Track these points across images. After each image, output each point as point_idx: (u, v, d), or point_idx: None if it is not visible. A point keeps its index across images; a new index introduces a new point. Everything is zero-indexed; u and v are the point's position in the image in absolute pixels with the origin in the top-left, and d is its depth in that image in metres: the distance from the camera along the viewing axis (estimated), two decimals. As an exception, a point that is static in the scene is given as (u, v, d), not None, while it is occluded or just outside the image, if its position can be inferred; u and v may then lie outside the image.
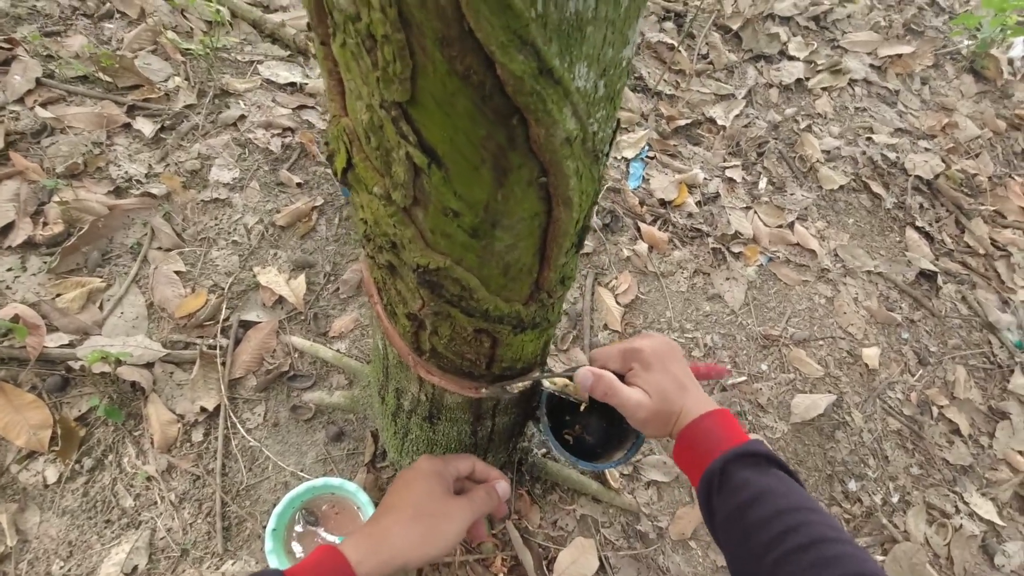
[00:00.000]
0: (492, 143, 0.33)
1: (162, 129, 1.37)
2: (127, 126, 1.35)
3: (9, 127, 1.25)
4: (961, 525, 1.28)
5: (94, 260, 1.19)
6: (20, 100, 1.30)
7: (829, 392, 1.40)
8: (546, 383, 0.80)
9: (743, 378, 1.38)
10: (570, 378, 0.84)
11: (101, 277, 1.17)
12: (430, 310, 0.50)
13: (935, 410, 1.43)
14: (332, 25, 0.31)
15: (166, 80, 1.44)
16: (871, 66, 2.05)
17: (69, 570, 0.96)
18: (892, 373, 1.47)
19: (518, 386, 0.73)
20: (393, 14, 0.26)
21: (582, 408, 0.86)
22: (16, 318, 1.04)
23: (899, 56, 2.08)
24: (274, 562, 0.90)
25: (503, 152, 0.34)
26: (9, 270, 1.13)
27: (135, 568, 0.97)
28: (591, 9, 0.27)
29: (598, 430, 1.03)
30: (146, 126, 1.35)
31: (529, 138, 0.34)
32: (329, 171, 1.41)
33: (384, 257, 0.47)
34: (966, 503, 1.31)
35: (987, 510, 1.30)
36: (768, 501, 0.52)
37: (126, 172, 1.29)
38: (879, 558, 1.22)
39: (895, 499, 1.30)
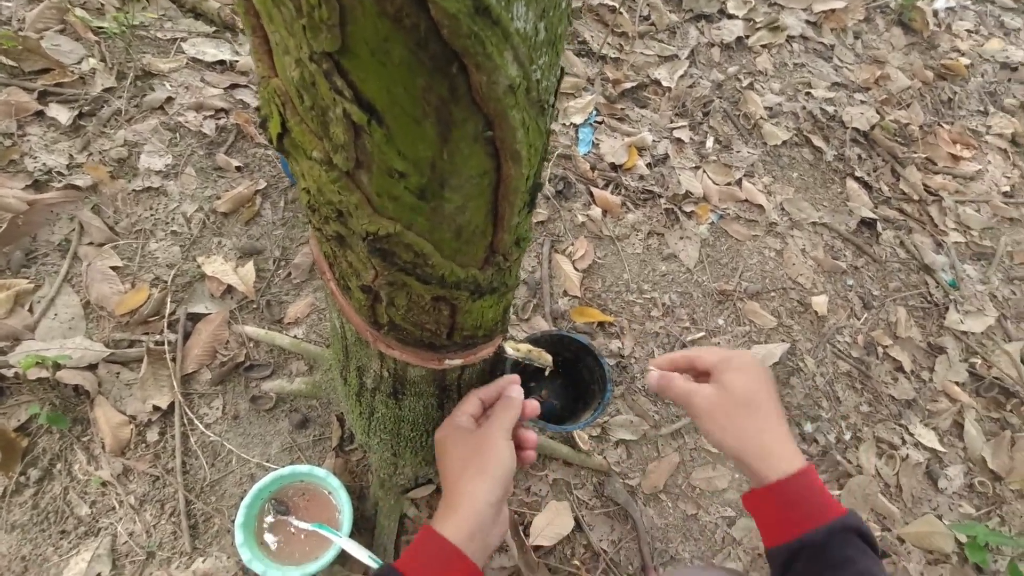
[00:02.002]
0: (433, 95, 0.32)
1: (80, 116, 1.27)
2: (40, 114, 1.25)
3: (-96, 121, 1.14)
4: (907, 455, 1.36)
5: (17, 260, 1.10)
6: (-87, 91, 1.18)
7: (783, 341, 1.46)
8: (509, 349, 0.79)
9: (702, 334, 1.41)
10: (536, 341, 0.84)
11: (28, 278, 1.09)
12: (384, 280, 0.49)
13: (880, 350, 1.51)
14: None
15: (79, 62, 1.33)
16: (807, 22, 2.10)
17: (25, 586, 0.91)
18: (840, 318, 1.53)
19: (486, 352, 0.73)
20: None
21: (547, 373, 0.87)
22: (-65, 328, 0.96)
23: (832, 11, 2.13)
24: (246, 555, 0.88)
25: (445, 105, 0.33)
26: (-79, 277, 1.04)
27: (99, 575, 0.93)
28: (526, -61, 0.26)
29: (563, 394, 1.04)
30: (61, 113, 1.25)
31: (471, 88, 0.32)
32: (271, 152, 1.35)
33: (331, 228, 0.45)
34: (911, 434, 1.39)
35: (930, 439, 1.39)
36: None
37: (44, 164, 1.19)
38: (835, 492, 1.30)
39: (847, 436, 1.37)
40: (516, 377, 0.69)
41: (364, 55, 0.29)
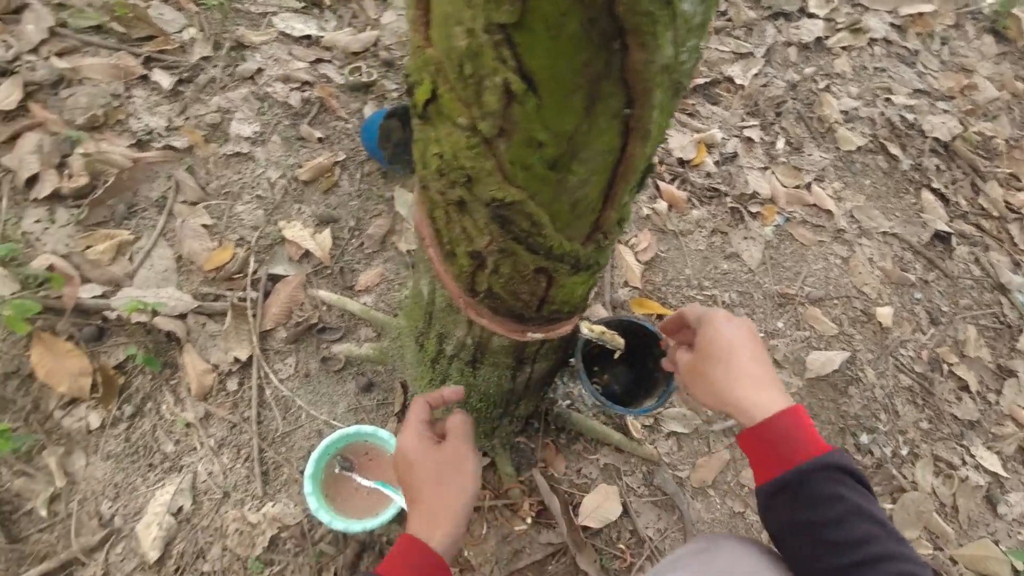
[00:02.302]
0: (590, 69, 0.34)
1: (180, 81, 1.35)
2: (144, 78, 1.33)
3: (26, 77, 1.23)
4: (967, 476, 1.32)
5: (120, 213, 1.19)
6: (35, 50, 1.28)
7: (843, 349, 1.43)
8: (584, 329, 0.82)
9: (760, 335, 1.40)
10: (610, 325, 0.86)
11: (129, 230, 1.18)
12: (496, 247, 0.52)
13: (945, 367, 1.46)
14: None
15: (180, 31, 1.41)
16: (891, 25, 2.02)
17: (117, 510, 0.99)
18: (904, 332, 1.50)
19: (565, 329, 0.75)
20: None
21: (616, 356, 0.89)
22: (51, 268, 1.05)
23: (920, 15, 2.04)
24: (313, 504, 0.94)
25: (598, 80, 0.35)
26: (38, 222, 1.14)
27: (180, 508, 1.00)
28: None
29: (625, 380, 1.06)
30: (164, 78, 1.33)
31: (625, 66, 0.34)
32: (350, 126, 1.40)
33: (455, 193, 0.48)
34: (972, 456, 1.35)
35: (992, 463, 1.35)
36: (852, 525, 0.51)
37: (146, 125, 1.28)
38: (888, 506, 1.27)
39: (904, 451, 1.34)
40: (460, 389, 0.71)
41: (538, 28, 0.32)
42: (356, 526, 0.94)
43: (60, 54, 1.28)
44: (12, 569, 0.94)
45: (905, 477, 1.31)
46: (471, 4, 0.32)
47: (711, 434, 1.27)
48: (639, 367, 1.01)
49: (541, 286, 0.59)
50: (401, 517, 1.03)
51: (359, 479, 1.01)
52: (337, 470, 1.02)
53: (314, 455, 0.98)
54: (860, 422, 1.35)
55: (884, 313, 1.49)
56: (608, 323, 0.92)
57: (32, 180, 1.15)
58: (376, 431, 1.02)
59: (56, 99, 1.24)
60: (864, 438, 1.34)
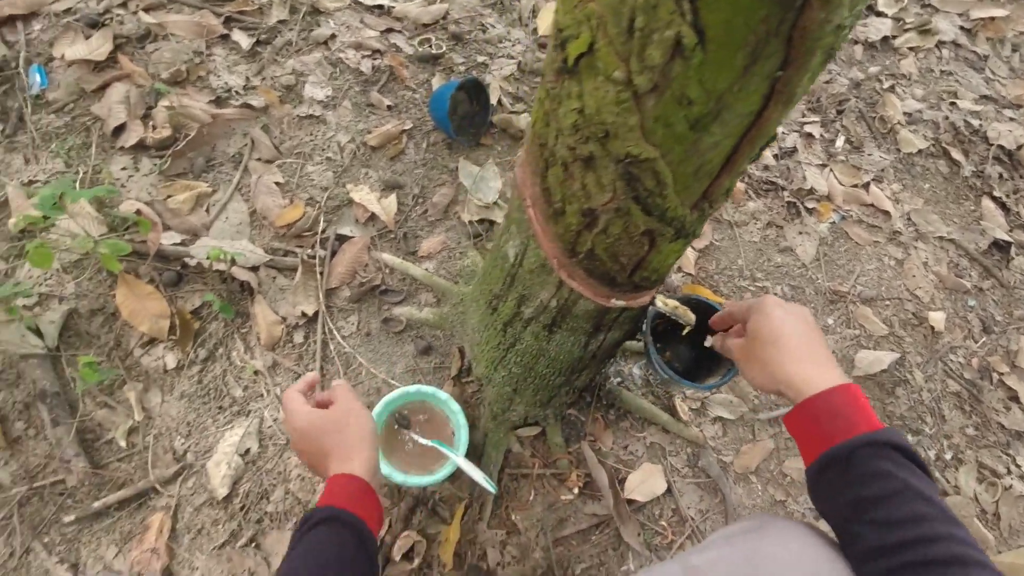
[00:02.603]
0: (763, 27, 0.36)
1: (257, 43, 1.38)
2: (224, 37, 1.37)
3: (116, 30, 1.27)
4: (1011, 485, 1.32)
5: (199, 166, 1.23)
6: (123, 4, 1.32)
7: (892, 350, 1.43)
8: (659, 303, 0.84)
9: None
10: (680, 302, 0.88)
11: (207, 182, 1.22)
12: (614, 205, 0.54)
13: (995, 376, 1.45)
14: None
15: (260, -7, 1.44)
16: (961, 28, 1.98)
17: (189, 447, 1.04)
18: (956, 338, 1.48)
19: (644, 299, 0.77)
20: None
21: (684, 332, 0.91)
22: (139, 213, 1.09)
23: (992, 19, 1.99)
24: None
25: (766, 38, 0.37)
26: (124, 169, 1.18)
27: (248, 450, 1.05)
28: None
29: (687, 358, 1.07)
30: (243, 39, 1.37)
31: (795, 25, 0.36)
32: (418, 96, 1.43)
33: (587, 148, 0.50)
34: (1018, 465, 1.34)
35: (1038, 473, 1.34)
36: (902, 503, 0.49)
37: (225, 83, 1.31)
38: (927, 507, 1.28)
39: (948, 456, 1.34)
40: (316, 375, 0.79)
41: (728, -18, 0.33)
42: (413, 480, 0.98)
43: (147, 9, 1.32)
44: (93, 492, 0.99)
45: (948, 481, 1.31)
46: (662, -44, 0.34)
47: (756, 422, 1.28)
48: (700, 346, 1.02)
49: (643, 249, 0.61)
50: (455, 476, 1.07)
51: (416, 437, 1.05)
52: (396, 427, 1.06)
53: (376, 409, 1.01)
54: (906, 423, 1.35)
55: (936, 317, 1.48)
56: (679, 300, 0.94)
57: (119, 129, 1.20)
58: (436, 392, 1.05)
59: (142, 52, 1.28)
60: (909, 439, 1.34)
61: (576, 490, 1.14)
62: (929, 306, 1.51)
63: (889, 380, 1.39)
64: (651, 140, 0.46)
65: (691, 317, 0.87)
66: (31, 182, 1.13)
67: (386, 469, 0.96)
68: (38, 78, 1.19)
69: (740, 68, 0.39)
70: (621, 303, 0.74)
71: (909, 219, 1.63)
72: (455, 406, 1.05)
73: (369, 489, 0.65)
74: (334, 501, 0.62)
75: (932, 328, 1.47)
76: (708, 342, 0.76)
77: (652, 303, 0.83)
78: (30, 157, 1.16)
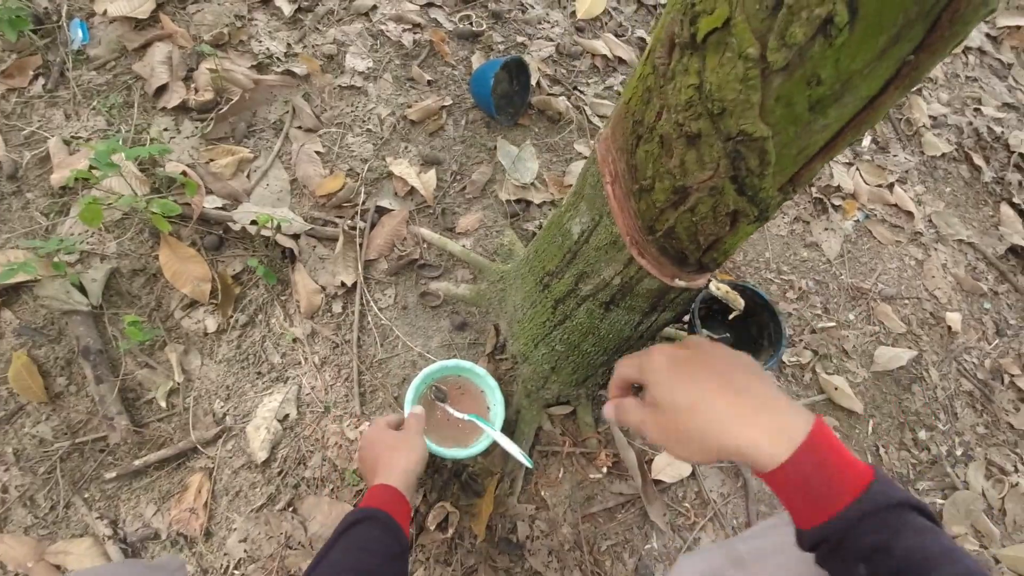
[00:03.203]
0: (916, 8, 0.37)
1: (299, 10, 1.37)
2: (266, 2, 1.35)
3: (158, -12, 1.25)
4: (1017, 483, 1.36)
5: (241, 131, 1.22)
6: (166, -38, 1.30)
7: (910, 348, 1.46)
8: (713, 287, 0.85)
9: (832, 324, 1.43)
10: (731, 287, 0.90)
11: (248, 148, 1.21)
12: (710, 183, 0.55)
13: (1007, 378, 1.49)
14: None
15: (302, -41, 1.42)
16: (987, 36, 2.00)
17: (229, 410, 1.05)
18: (970, 339, 1.52)
19: (703, 281, 0.79)
20: None
21: (731, 317, 0.93)
22: (184, 174, 1.09)
23: (1017, 28, 2.02)
24: None
25: (915, 20, 0.38)
26: (165, 130, 1.17)
27: (287, 416, 1.06)
28: None
29: (728, 344, 1.09)
30: (284, 4, 1.35)
31: (947, 8, 0.37)
32: (457, 72, 1.42)
33: (696, 125, 0.51)
34: (1025, 463, 1.39)
35: (1043, 472, 1.38)
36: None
37: (267, 48, 1.30)
38: (938, 501, 1.32)
39: (959, 452, 1.38)
40: (420, 409, 0.95)
41: (896, -39, 0.34)
42: (451, 453, 0.98)
43: (190, -32, 1.30)
44: (133, 451, 1.00)
45: (958, 476, 1.35)
46: (830, -67, 0.35)
47: (778, 412, 1.31)
48: (742, 332, 1.04)
49: (724, 229, 0.62)
50: (490, 450, 1.08)
51: (452, 410, 1.06)
52: (432, 398, 1.06)
53: (415, 382, 1.02)
54: (920, 419, 1.39)
55: (953, 318, 1.51)
56: (728, 285, 0.96)
57: (161, 89, 1.18)
58: (473, 367, 1.06)
59: (184, 13, 1.27)
60: (922, 434, 1.38)
61: (604, 469, 1.16)
62: (946, 307, 1.54)
63: (906, 376, 1.43)
64: (767, 119, 0.47)
65: (740, 302, 0.89)
66: (73, 138, 1.12)
67: (427, 442, 0.98)
68: (80, 33, 1.17)
69: (879, 50, 0.40)
70: (683, 283, 0.75)
71: (930, 221, 1.65)
72: (491, 381, 1.06)
73: (402, 497, 0.76)
74: (371, 503, 0.74)
75: (949, 328, 1.51)
76: (606, 412, 0.60)
77: (707, 286, 0.85)
78: (71, 113, 1.14)
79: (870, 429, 1.34)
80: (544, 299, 0.94)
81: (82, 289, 1.02)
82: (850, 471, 0.44)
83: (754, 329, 1.01)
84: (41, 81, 1.16)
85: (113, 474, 0.97)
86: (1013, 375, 1.50)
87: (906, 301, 1.53)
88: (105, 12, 1.21)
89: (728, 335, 1.03)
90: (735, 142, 0.49)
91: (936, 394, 1.43)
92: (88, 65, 1.19)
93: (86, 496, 0.96)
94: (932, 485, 1.33)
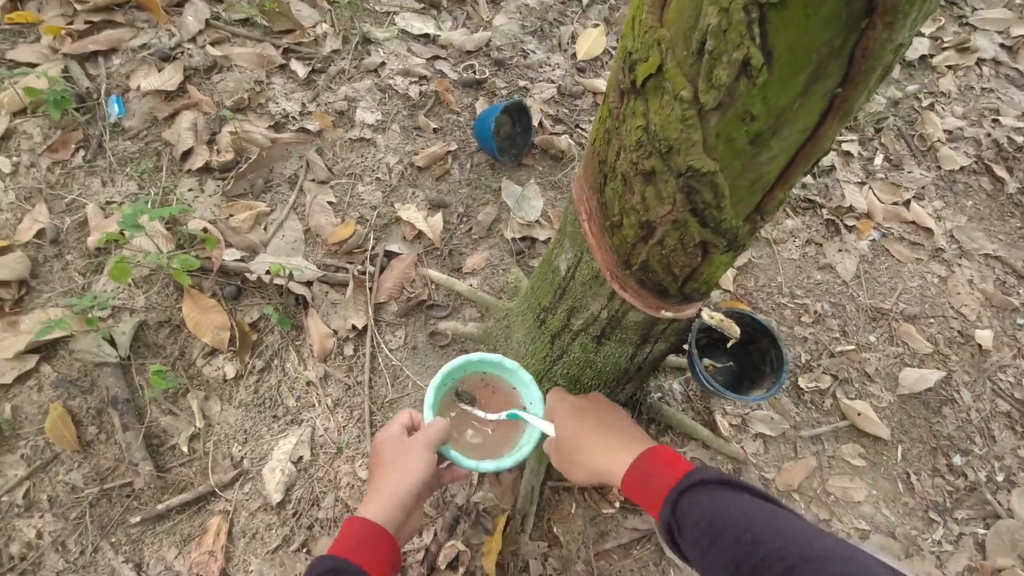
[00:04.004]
0: (826, 48, 0.39)
1: (313, 71, 1.47)
2: (283, 67, 1.45)
3: (185, 63, 1.37)
4: (1069, 509, 1.27)
5: (259, 187, 1.30)
6: (193, 39, 1.42)
7: (937, 369, 1.40)
8: (705, 315, 0.86)
9: (852, 347, 1.40)
10: (728, 314, 0.89)
11: (265, 202, 1.29)
12: (672, 217, 0.56)
13: (1048, 396, 1.41)
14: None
15: (315, 26, 1.53)
16: (1001, 45, 1.97)
17: (246, 453, 1.09)
18: (1004, 356, 1.45)
19: (691, 311, 0.80)
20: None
21: (728, 345, 0.92)
22: (205, 230, 1.16)
23: (1032, 37, 1.98)
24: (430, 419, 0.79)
25: (828, 58, 0.40)
26: (190, 190, 1.26)
27: (300, 458, 1.09)
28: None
29: (728, 372, 1.08)
30: (299, 68, 1.45)
31: (857, 45, 0.39)
32: (462, 119, 1.49)
33: (649, 163, 0.53)
34: (1076, 488, 1.30)
35: (1097, 498, 1.29)
36: (728, 537, 0.50)
37: (283, 109, 1.39)
38: (980, 531, 1.24)
39: (1000, 477, 1.31)
40: (443, 423, 0.77)
41: (796, 8, 0.37)
42: (486, 466, 0.78)
43: (214, 43, 1.41)
44: (157, 495, 1.04)
45: (1000, 504, 1.27)
46: (733, -13, 0.37)
47: (799, 439, 1.27)
48: (743, 360, 1.03)
49: (696, 260, 0.63)
50: (493, 480, 1.09)
51: (480, 413, 0.87)
52: (461, 406, 0.88)
53: (435, 381, 0.83)
54: (954, 443, 1.33)
55: (983, 336, 1.45)
56: (723, 314, 0.96)
57: (187, 153, 1.28)
58: (502, 360, 0.88)
59: (209, 83, 1.37)
60: (957, 459, 1.31)
61: (617, 504, 1.15)
62: (975, 324, 1.49)
63: (935, 399, 1.37)
64: (712, 155, 0.49)
65: (736, 330, 0.88)
66: (108, 203, 1.22)
67: (452, 454, 0.77)
68: (116, 107, 1.29)
69: (802, 86, 0.42)
70: (670, 314, 0.76)
71: (952, 236, 1.61)
72: (525, 375, 0.88)
73: (381, 535, 0.62)
74: (339, 550, 0.61)
75: (979, 346, 1.45)
76: (546, 445, 0.82)
77: (699, 316, 0.85)
78: (107, 180, 1.24)
79: (899, 455, 1.28)
80: (542, 335, 0.96)
81: (112, 342, 1.09)
82: (673, 470, 0.60)
83: (756, 356, 1.00)
84: (82, 153, 1.27)
85: (138, 519, 1.01)
86: (1055, 394, 1.42)
87: (931, 320, 1.48)
88: (139, 87, 1.33)
89: (731, 363, 1.02)
90: (686, 177, 0.52)
91: (970, 416, 1.36)
92: (123, 135, 1.29)
93: (113, 540, 1.01)
94: (972, 514, 1.26)
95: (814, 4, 0.36)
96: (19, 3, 1.37)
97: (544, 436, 0.82)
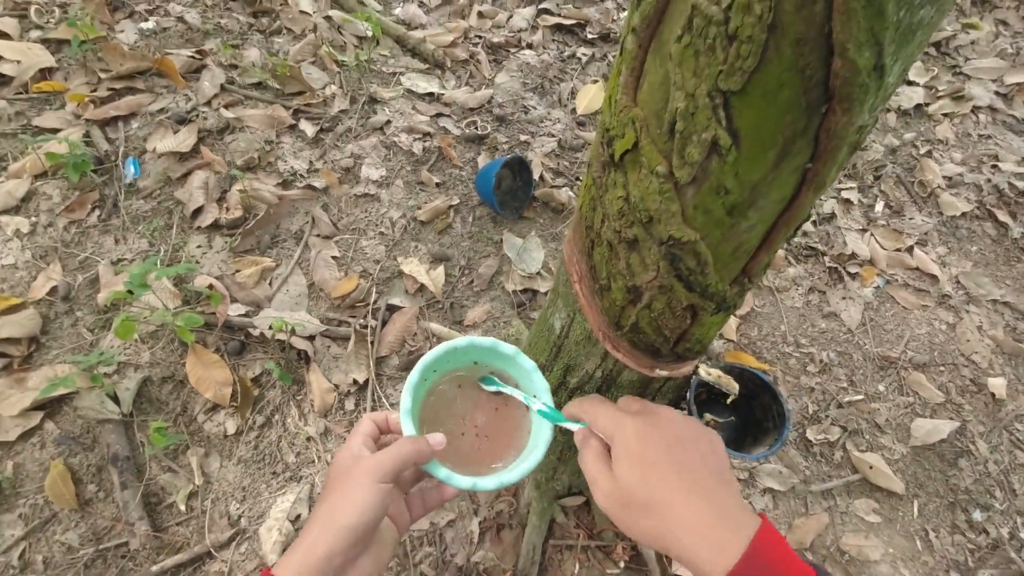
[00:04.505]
0: (790, 129, 0.40)
1: (321, 130, 1.53)
2: (292, 127, 1.51)
3: (200, 125, 1.43)
4: (1100, 569, 1.21)
5: (265, 242, 1.34)
6: (208, 103, 1.49)
7: (951, 419, 1.37)
8: (703, 372, 0.85)
9: (860, 396, 1.37)
10: (723, 371, 0.89)
11: (271, 257, 1.32)
12: (658, 283, 0.57)
13: (1069, 447, 1.36)
14: (683, 28, 0.38)
15: (324, 88, 1.60)
16: (996, 93, 2.00)
17: (244, 512, 1.08)
18: (1020, 405, 1.42)
19: (687, 369, 0.79)
20: (766, 20, 0.34)
21: (728, 401, 0.91)
22: (211, 287, 1.19)
23: (1026, 84, 2.01)
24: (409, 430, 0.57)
25: (793, 138, 0.41)
26: (199, 247, 1.30)
27: (298, 516, 1.08)
28: (929, 16, 0.34)
29: (730, 427, 1.07)
30: (308, 128, 1.51)
31: (822, 126, 0.40)
32: (464, 173, 1.53)
33: (631, 232, 0.54)
34: (1106, 547, 1.24)
35: None
36: None
37: (292, 167, 1.44)
38: (1008, 593, 1.18)
39: (1023, 534, 1.25)
40: (440, 438, 0.58)
41: (756, 94, 0.38)
42: (484, 483, 0.58)
43: (227, 105, 1.48)
44: (152, 556, 1.03)
45: (1027, 563, 1.22)
46: (698, 74, 0.39)
47: (809, 494, 1.23)
48: (745, 415, 1.02)
49: (685, 323, 0.64)
50: (489, 538, 1.06)
51: (521, 395, 0.67)
52: (487, 389, 0.69)
53: (411, 380, 0.60)
54: (972, 497, 1.28)
55: (997, 384, 1.42)
56: (722, 369, 0.95)
57: (197, 211, 1.32)
58: (495, 344, 0.68)
59: (221, 143, 1.43)
60: (977, 515, 1.26)
61: (622, 564, 1.11)
62: (988, 372, 1.45)
63: (950, 451, 1.33)
64: (692, 224, 0.50)
65: (735, 386, 0.87)
66: (119, 260, 1.25)
67: (442, 472, 0.58)
68: (132, 169, 1.34)
69: (772, 162, 0.43)
70: (664, 373, 0.76)
71: (958, 282, 1.60)
72: (526, 362, 0.69)
73: None
74: None
75: (993, 395, 1.41)
76: (577, 437, 0.56)
77: (695, 372, 0.84)
78: (119, 238, 1.28)
79: (915, 511, 1.24)
80: (540, 390, 0.96)
81: (116, 398, 1.10)
82: (799, 566, 0.42)
83: (758, 411, 0.98)
84: (97, 212, 1.31)
85: (133, 580, 1.00)
86: (1077, 444, 1.37)
87: (941, 368, 1.45)
88: (155, 149, 1.38)
89: (732, 418, 1.01)
90: (668, 246, 0.53)
91: (988, 468, 1.32)
92: (138, 195, 1.34)
93: (107, 604, 0.99)
94: (996, 573, 1.20)
95: (772, 91, 0.37)
96: (48, 73, 1.45)
97: (555, 436, 0.64)
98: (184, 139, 1.39)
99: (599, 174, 0.57)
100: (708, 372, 0.86)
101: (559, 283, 0.78)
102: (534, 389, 0.68)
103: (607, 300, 0.66)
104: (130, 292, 1.02)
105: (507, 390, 0.67)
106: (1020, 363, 1.48)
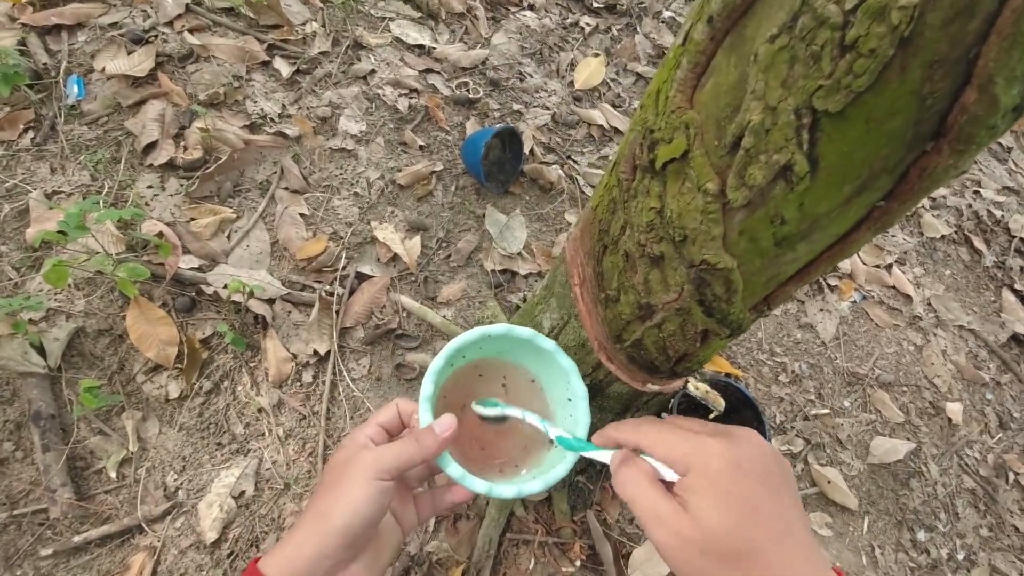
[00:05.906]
0: (881, 163, 0.34)
1: (297, 72, 1.38)
2: (265, 64, 1.37)
3: (159, 48, 1.27)
4: (1025, 594, 1.27)
5: (226, 190, 1.21)
6: (170, 24, 1.32)
7: (908, 439, 1.39)
8: (691, 387, 0.81)
9: (826, 411, 1.37)
10: (711, 385, 0.85)
11: (231, 208, 1.20)
12: (676, 305, 0.51)
13: (1011, 476, 1.41)
14: (782, 26, 0.31)
15: (304, 24, 1.45)
16: (987, 118, 2.00)
17: (182, 483, 0.99)
18: (972, 431, 1.45)
19: (678, 384, 0.75)
20: (902, 31, 0.27)
21: (711, 416, 0.88)
22: (160, 235, 1.07)
23: (1016, 112, 2.02)
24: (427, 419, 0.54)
25: (880, 172, 0.35)
26: (150, 187, 1.16)
27: (243, 493, 1.00)
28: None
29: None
30: (283, 67, 1.37)
31: (916, 163, 0.34)
32: (451, 137, 1.42)
33: (658, 247, 0.48)
34: (1033, 573, 1.30)
35: (1052, 583, 1.29)
36: None
37: (261, 109, 1.31)
38: (939, 611, 1.23)
39: (960, 556, 1.30)
40: (450, 418, 0.52)
41: (856, 120, 0.31)
42: (499, 491, 0.54)
43: (192, 30, 1.32)
44: (75, 525, 0.94)
45: (960, 584, 1.26)
46: (788, 85, 0.32)
47: (768, 505, 1.24)
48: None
49: (695, 346, 0.58)
50: (450, 529, 1.02)
51: (482, 409, 0.61)
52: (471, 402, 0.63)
53: (434, 365, 0.57)
54: (919, 518, 1.31)
55: (954, 409, 1.45)
56: (706, 381, 0.92)
57: (150, 147, 1.18)
58: (534, 335, 0.63)
59: (183, 72, 1.28)
60: (922, 535, 1.30)
61: (579, 562, 1.09)
62: (947, 396, 1.48)
63: (904, 471, 1.36)
64: (731, 251, 0.44)
65: (721, 403, 0.84)
66: (55, 192, 1.11)
67: (456, 471, 0.53)
68: (76, 88, 1.18)
69: (845, 197, 0.37)
70: (656, 388, 0.71)
71: (930, 304, 1.61)
72: (566, 361, 0.63)
73: None
74: None
75: (949, 420, 1.44)
76: (612, 461, 0.47)
77: (685, 386, 0.80)
78: (56, 167, 1.14)
79: (865, 527, 1.26)
80: (516, 386, 0.90)
81: (42, 350, 0.98)
82: None
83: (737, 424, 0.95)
84: (31, 134, 1.16)
85: (50, 551, 0.91)
86: (1018, 472, 1.42)
87: (904, 388, 1.47)
88: (104, 69, 1.22)
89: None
90: (699, 269, 0.46)
91: (936, 491, 1.35)
92: (80, 120, 1.19)
93: (18, 574, 0.90)
94: (932, 593, 1.25)
95: (879, 119, 0.31)
96: (-21, -37, 1.25)
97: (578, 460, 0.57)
98: (140, 62, 1.23)
99: (628, 176, 0.50)
100: (696, 387, 0.82)
101: (555, 281, 0.72)
102: (568, 393, 0.63)
103: (612, 312, 0.60)
104: (64, 234, 0.90)
105: (514, 413, 0.57)
106: (976, 390, 1.52)
